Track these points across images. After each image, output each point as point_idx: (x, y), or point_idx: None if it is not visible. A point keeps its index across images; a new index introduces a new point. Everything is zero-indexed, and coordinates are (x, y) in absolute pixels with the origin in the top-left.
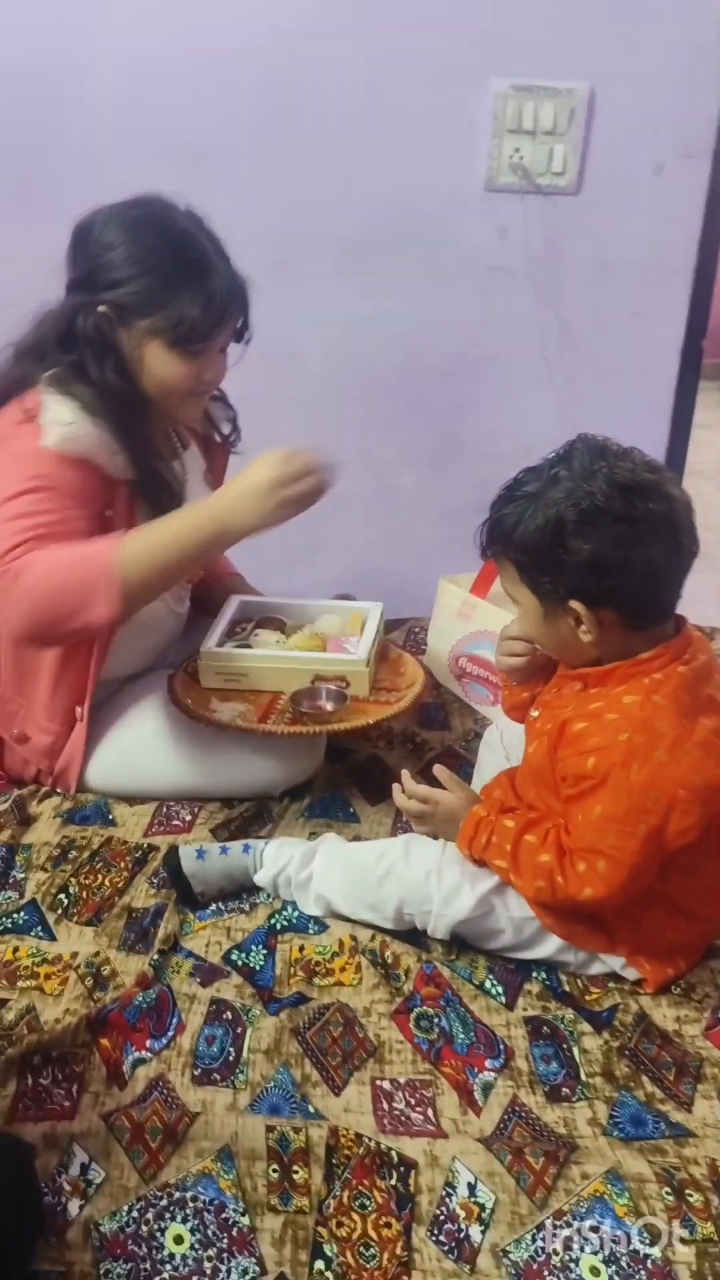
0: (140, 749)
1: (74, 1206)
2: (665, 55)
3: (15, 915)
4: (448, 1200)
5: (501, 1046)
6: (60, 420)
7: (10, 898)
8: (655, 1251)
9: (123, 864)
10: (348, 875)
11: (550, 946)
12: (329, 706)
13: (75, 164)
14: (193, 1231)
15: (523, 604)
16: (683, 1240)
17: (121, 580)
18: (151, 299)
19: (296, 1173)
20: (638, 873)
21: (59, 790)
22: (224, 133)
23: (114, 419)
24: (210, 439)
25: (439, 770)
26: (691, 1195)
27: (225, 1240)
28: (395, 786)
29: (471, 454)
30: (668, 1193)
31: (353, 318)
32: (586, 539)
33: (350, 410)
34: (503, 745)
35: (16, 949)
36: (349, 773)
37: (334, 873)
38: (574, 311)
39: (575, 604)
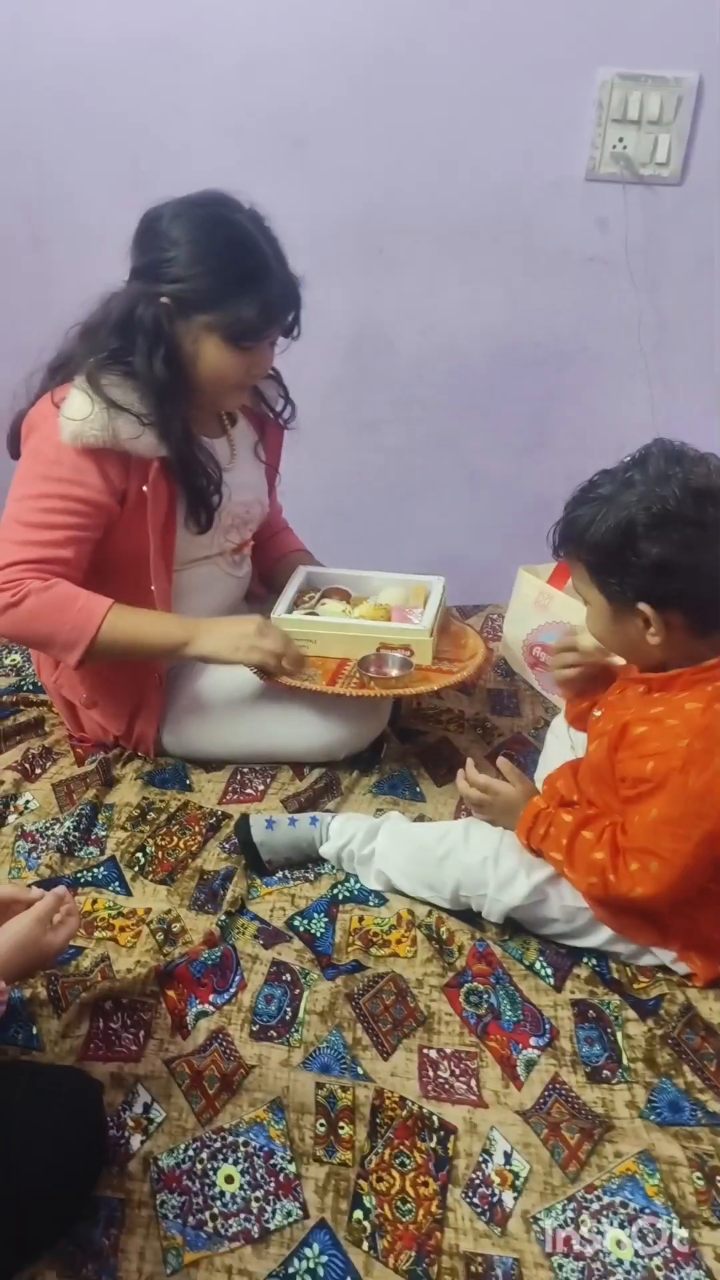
0: (211, 711)
1: (135, 1141)
2: None
3: (96, 870)
4: (484, 1166)
5: (547, 1026)
6: (74, 416)
7: (92, 853)
8: (683, 1232)
9: (197, 828)
10: (408, 854)
11: (602, 936)
12: (395, 673)
13: (182, 147)
14: (243, 1173)
15: (592, 604)
16: (709, 1224)
17: (95, 645)
18: (211, 297)
19: (342, 1128)
20: (689, 874)
21: (140, 754)
22: (325, 119)
23: (149, 403)
24: (265, 416)
25: (501, 762)
26: None
27: (272, 1184)
28: (460, 771)
29: (561, 445)
30: (699, 1178)
31: (447, 305)
32: (656, 542)
33: (441, 396)
34: (569, 734)
35: (95, 901)
36: (419, 753)
37: (395, 851)
38: (672, 304)
39: (643, 606)
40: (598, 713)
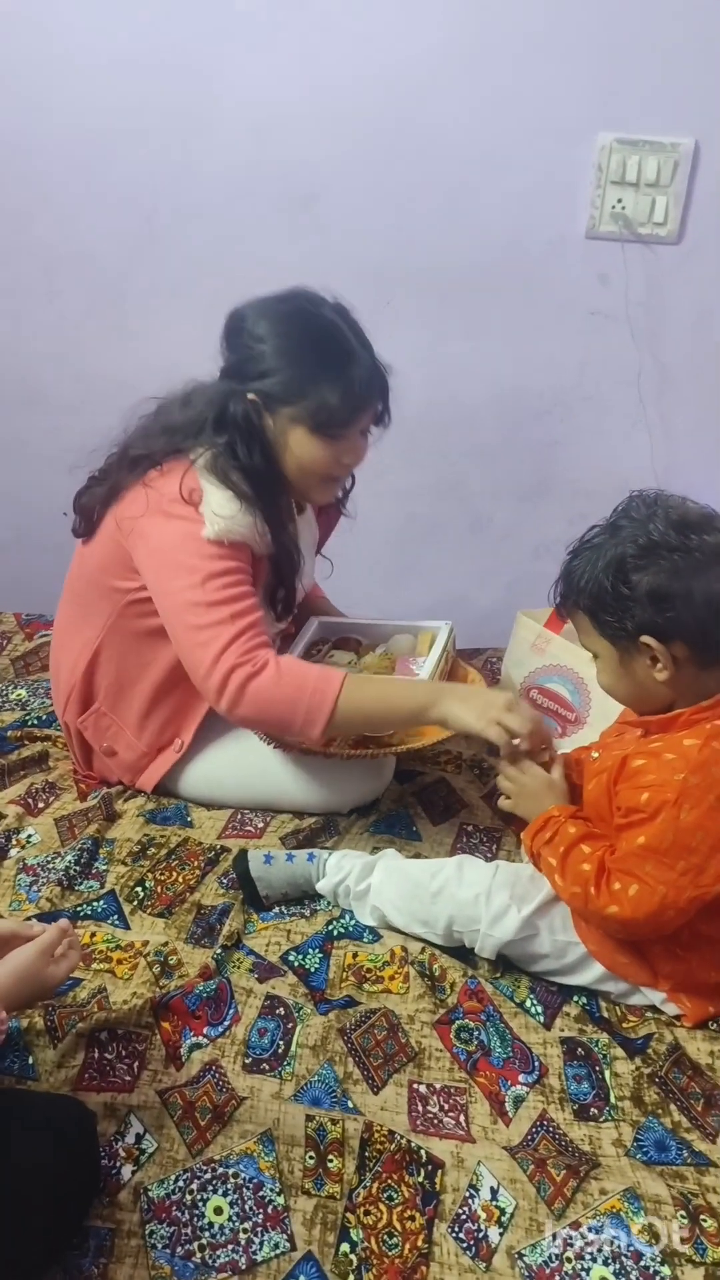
0: (216, 767)
1: (127, 1171)
2: None
3: (96, 903)
4: (470, 1201)
5: (536, 1063)
6: (222, 514)
7: (92, 886)
8: (666, 1270)
9: (196, 863)
10: (403, 889)
11: (593, 974)
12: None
13: (196, 204)
14: (232, 1205)
15: (600, 654)
16: (692, 1261)
17: (337, 715)
18: (295, 387)
19: (331, 1161)
20: (666, 906)
21: (140, 791)
22: (336, 178)
23: (261, 501)
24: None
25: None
26: (706, 1221)
27: (260, 1216)
28: (499, 759)
29: (565, 491)
30: (683, 1216)
31: (453, 355)
32: (646, 571)
33: (446, 442)
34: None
35: (94, 934)
36: (416, 793)
37: (390, 886)
38: (672, 357)
39: (647, 639)
40: (595, 754)
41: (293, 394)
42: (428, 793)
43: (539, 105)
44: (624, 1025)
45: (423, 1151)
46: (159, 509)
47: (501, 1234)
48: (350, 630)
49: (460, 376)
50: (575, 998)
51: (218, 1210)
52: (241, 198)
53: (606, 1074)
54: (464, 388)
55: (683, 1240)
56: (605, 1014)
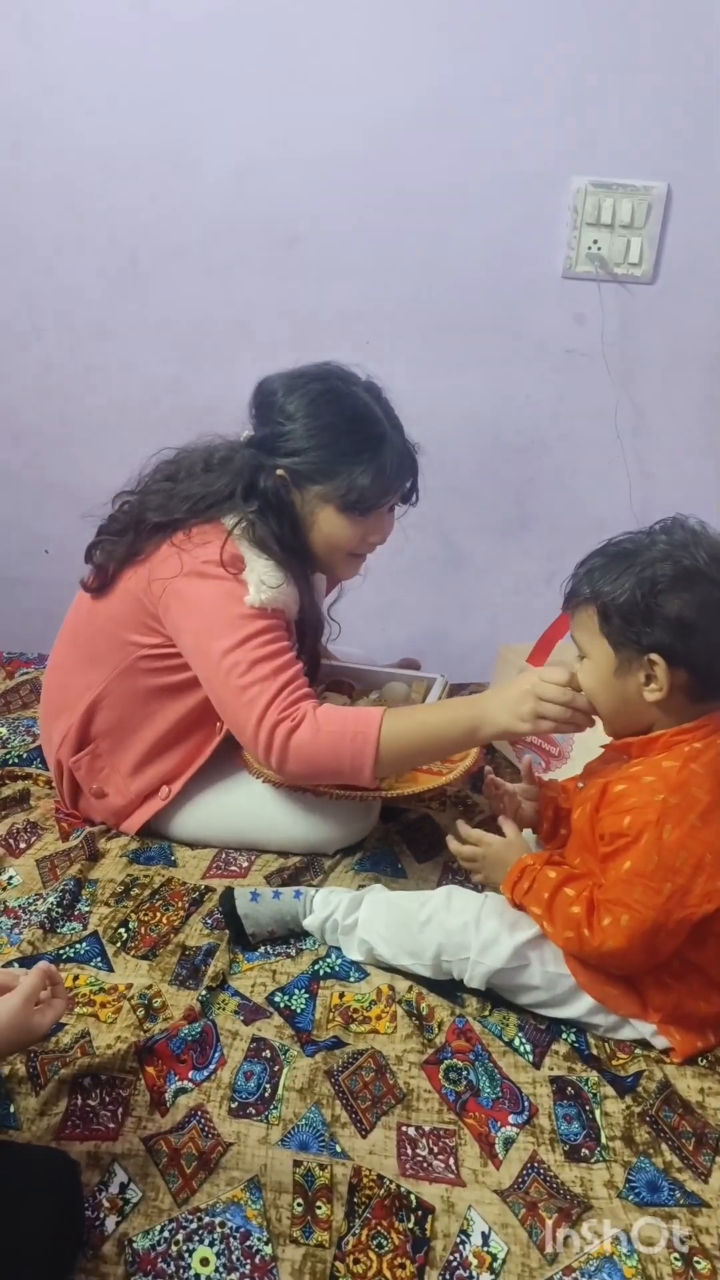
0: (200, 809)
1: (111, 1222)
2: None
3: (78, 945)
4: (461, 1248)
5: (526, 1103)
6: (269, 583)
7: (75, 929)
8: None
9: (180, 904)
10: (391, 920)
11: (582, 1007)
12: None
13: (180, 245)
14: (218, 1255)
15: (595, 657)
16: None
17: (382, 755)
18: (326, 469)
19: (319, 1208)
20: (658, 931)
21: (124, 832)
22: (317, 221)
23: (292, 570)
24: None
25: (502, 819)
26: (699, 1263)
27: (248, 1266)
28: (449, 838)
29: (543, 527)
30: (676, 1259)
31: (433, 394)
32: (679, 596)
33: (426, 479)
34: None
35: (77, 977)
36: (401, 831)
37: (378, 918)
38: (647, 396)
39: (655, 657)
40: (581, 784)
41: (323, 475)
42: (412, 830)
43: (516, 149)
44: (613, 1062)
45: (413, 1196)
46: (195, 571)
47: None
48: (344, 674)
49: (439, 414)
50: (564, 1034)
51: (204, 1261)
52: (224, 239)
53: (597, 1113)
54: (443, 425)
55: None
56: (594, 1050)
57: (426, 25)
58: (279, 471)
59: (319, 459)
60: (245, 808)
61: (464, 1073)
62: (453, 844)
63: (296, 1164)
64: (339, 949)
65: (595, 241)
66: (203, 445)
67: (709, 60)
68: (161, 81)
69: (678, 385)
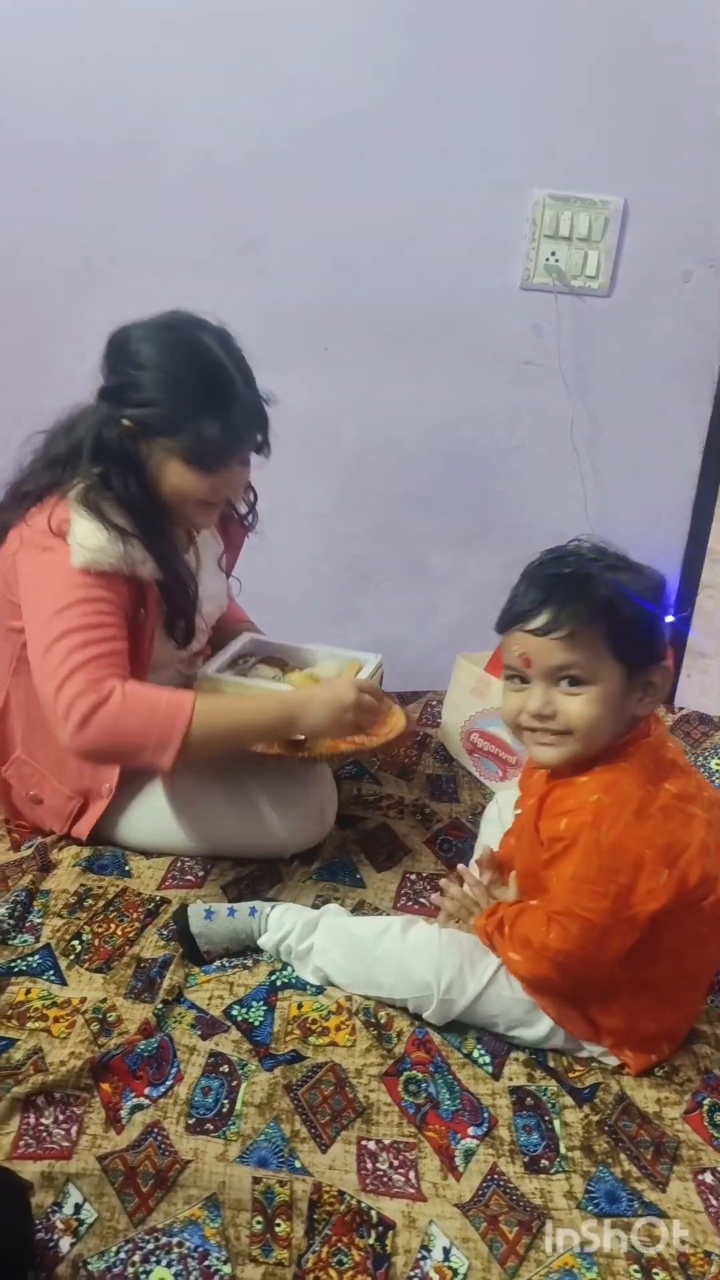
0: (152, 813)
1: (65, 1244)
2: (695, 173)
3: (30, 958)
4: (422, 1263)
5: (486, 1115)
6: (86, 545)
7: (26, 941)
8: None
9: (135, 915)
10: (346, 950)
11: (541, 1030)
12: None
13: (137, 246)
14: (176, 1276)
15: (601, 681)
16: None
17: (189, 738)
18: (173, 420)
19: (279, 1225)
20: (608, 932)
21: (77, 839)
22: (276, 224)
23: (140, 530)
24: (229, 518)
25: (475, 863)
26: (658, 1274)
27: None
28: (444, 881)
29: (500, 536)
30: (636, 1270)
31: (390, 402)
32: (660, 598)
33: (384, 488)
34: (500, 821)
35: (29, 990)
36: (358, 840)
37: (333, 947)
38: (602, 406)
39: (669, 663)
40: (517, 810)
41: (169, 427)
42: (370, 839)
43: (476, 160)
44: (570, 1075)
45: (373, 1212)
46: (31, 543)
47: None
48: (280, 651)
49: (398, 422)
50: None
51: None
52: (181, 241)
53: (556, 1123)
54: (402, 433)
55: None
56: (552, 1064)
57: (391, 31)
58: (125, 423)
59: (166, 411)
60: (197, 813)
61: (424, 1085)
62: (447, 885)
63: (256, 1181)
64: None
65: (553, 253)
66: (67, 414)
67: (666, 78)
68: (118, 78)
69: (632, 397)
